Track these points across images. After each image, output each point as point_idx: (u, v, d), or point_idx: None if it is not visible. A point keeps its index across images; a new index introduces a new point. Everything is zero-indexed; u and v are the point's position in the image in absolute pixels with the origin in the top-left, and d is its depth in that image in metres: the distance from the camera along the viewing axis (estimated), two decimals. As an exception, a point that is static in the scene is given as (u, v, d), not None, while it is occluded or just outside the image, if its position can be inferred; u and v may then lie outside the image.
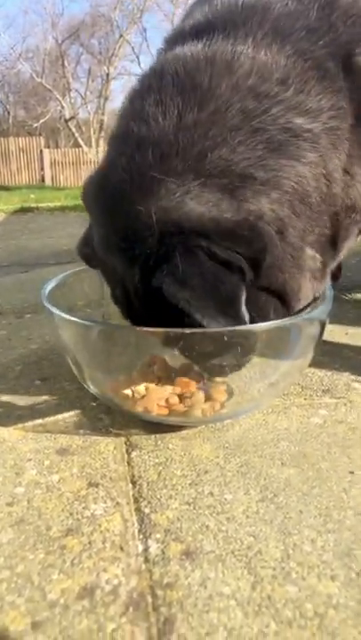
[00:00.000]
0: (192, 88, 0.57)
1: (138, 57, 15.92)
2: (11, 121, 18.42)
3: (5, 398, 0.75)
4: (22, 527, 0.49)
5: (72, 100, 17.94)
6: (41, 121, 16.90)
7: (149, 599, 0.41)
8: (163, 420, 0.63)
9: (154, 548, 0.46)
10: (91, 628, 0.39)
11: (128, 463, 0.59)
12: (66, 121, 17.12)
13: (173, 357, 0.65)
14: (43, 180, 10.86)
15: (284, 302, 0.61)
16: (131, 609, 0.40)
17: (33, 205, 3.73)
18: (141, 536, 0.48)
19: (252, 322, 0.56)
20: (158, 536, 0.47)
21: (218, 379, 0.66)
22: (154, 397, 0.60)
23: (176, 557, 0.45)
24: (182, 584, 0.42)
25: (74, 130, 16.72)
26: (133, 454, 0.60)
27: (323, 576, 0.42)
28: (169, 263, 0.54)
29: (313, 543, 0.46)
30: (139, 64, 15.83)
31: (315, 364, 0.74)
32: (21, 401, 0.74)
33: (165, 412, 0.61)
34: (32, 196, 4.92)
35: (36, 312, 1.16)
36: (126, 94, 0.66)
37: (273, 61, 0.59)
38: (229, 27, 0.61)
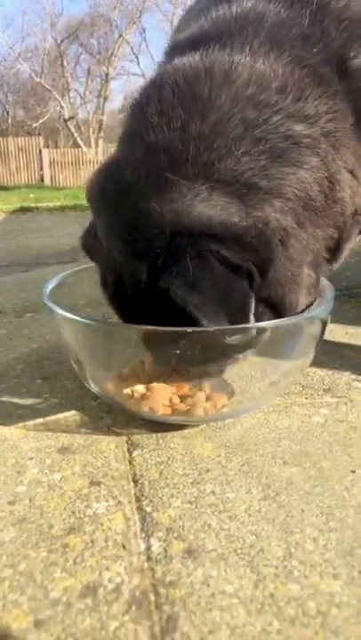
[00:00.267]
0: (192, 99, 0.58)
1: (137, 57, 16.02)
2: (10, 121, 18.43)
3: (6, 397, 0.75)
4: (24, 526, 0.49)
5: (71, 100, 17.96)
6: (40, 121, 16.90)
7: (152, 597, 0.41)
8: (165, 420, 0.63)
9: (156, 547, 0.46)
10: (94, 626, 0.38)
11: (129, 462, 0.59)
12: (65, 121, 17.12)
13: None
14: (42, 179, 10.86)
15: (278, 315, 0.61)
16: (133, 607, 0.40)
17: (32, 205, 3.73)
18: (143, 534, 0.48)
19: None
20: (160, 534, 0.47)
21: (218, 378, 0.66)
22: (159, 397, 0.60)
23: (178, 556, 0.45)
24: (185, 582, 0.42)
25: (73, 130, 16.72)
26: (135, 453, 0.60)
27: (325, 574, 0.42)
28: (179, 265, 0.54)
29: (315, 542, 0.46)
30: (138, 64, 15.93)
31: (316, 363, 0.74)
32: (22, 400, 0.74)
33: (169, 411, 0.61)
34: (31, 195, 4.92)
35: (36, 311, 1.16)
36: (129, 104, 0.67)
37: (271, 70, 0.59)
38: (225, 37, 0.62)
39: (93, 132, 17.30)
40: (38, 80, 16.80)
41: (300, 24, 0.62)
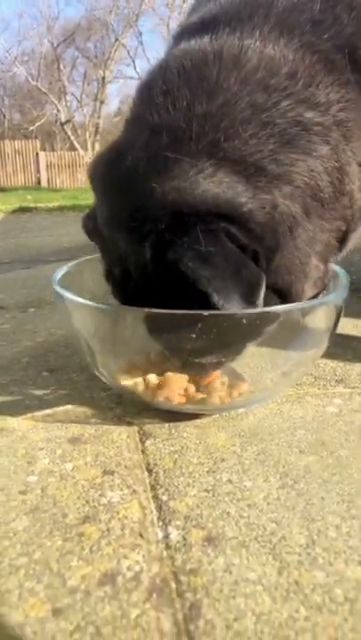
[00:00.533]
0: (199, 81, 0.57)
1: (133, 60, 16.02)
2: (6, 124, 18.41)
3: (13, 389, 0.74)
4: (37, 515, 0.48)
5: (68, 104, 17.96)
6: (37, 124, 16.91)
7: (173, 585, 0.40)
8: (178, 409, 0.62)
9: (174, 535, 0.45)
10: (114, 614, 0.37)
11: (142, 451, 0.57)
12: (62, 124, 17.12)
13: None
14: (39, 182, 10.85)
15: (283, 304, 0.59)
16: (154, 595, 0.39)
17: (31, 205, 3.72)
18: (161, 523, 0.46)
19: None
20: (178, 523, 0.46)
21: (229, 367, 0.65)
22: (175, 386, 0.59)
23: (198, 544, 0.44)
24: (206, 570, 0.41)
25: (70, 133, 16.72)
26: (148, 443, 0.59)
27: (350, 561, 0.41)
28: (189, 237, 0.52)
29: (338, 529, 0.45)
30: (135, 68, 15.89)
31: (327, 354, 0.73)
32: (30, 392, 0.73)
33: (184, 400, 0.59)
34: (29, 197, 4.91)
35: (39, 306, 1.15)
36: (136, 87, 0.66)
37: (281, 55, 0.58)
38: (235, 21, 0.60)
39: (90, 136, 17.30)
40: (35, 83, 16.80)
41: (311, 9, 0.61)
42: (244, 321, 0.54)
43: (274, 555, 0.42)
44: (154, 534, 0.45)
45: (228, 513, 0.47)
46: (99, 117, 17.49)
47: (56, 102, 16.99)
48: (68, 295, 0.60)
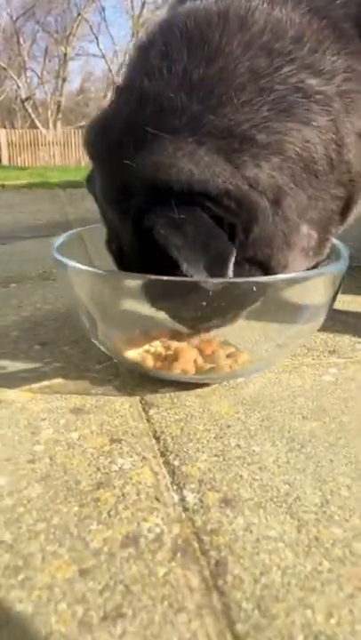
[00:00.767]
0: (201, 43, 0.55)
1: (97, 37, 15.68)
2: (-36, 100, 17.78)
3: (6, 362, 0.72)
4: (49, 482, 0.47)
5: (28, 80, 17.47)
6: (-4, 100, 16.40)
7: (196, 545, 0.40)
8: (181, 379, 0.62)
9: (191, 498, 0.45)
10: (141, 572, 0.37)
11: (147, 420, 0.58)
12: (22, 101, 16.67)
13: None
14: (0, 160, 10.56)
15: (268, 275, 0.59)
16: (179, 554, 0.39)
17: (-2, 183, 3.62)
18: (175, 487, 0.47)
19: None
20: (193, 486, 0.47)
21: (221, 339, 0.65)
22: (188, 358, 0.59)
23: (215, 505, 0.44)
24: (227, 530, 0.41)
25: (30, 111, 16.30)
26: (151, 412, 0.59)
27: (365, 518, 0.42)
28: (164, 207, 0.52)
29: (349, 489, 0.46)
30: (97, 44, 15.61)
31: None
32: (24, 364, 0.72)
33: (194, 371, 0.60)
34: (-7, 174, 4.77)
35: (20, 282, 1.13)
36: (133, 46, 0.64)
37: (287, 18, 0.57)
38: None
39: (51, 114, 16.89)
40: (-7, 58, 16.26)
41: None
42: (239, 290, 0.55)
43: (291, 514, 0.43)
44: (170, 498, 0.45)
45: (241, 476, 0.48)
46: (60, 95, 17.08)
47: (16, 78, 16.51)
48: (69, 262, 0.59)
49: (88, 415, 0.59)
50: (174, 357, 0.59)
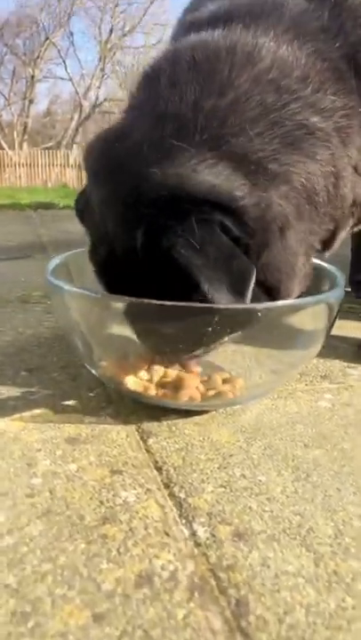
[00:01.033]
0: (210, 75, 0.57)
1: (64, 60, 15.70)
2: None
3: (-7, 389, 0.70)
4: (52, 518, 0.45)
5: (-5, 101, 17.37)
6: None
7: (213, 582, 0.38)
8: (183, 406, 0.61)
9: (201, 532, 0.44)
10: (160, 615, 0.36)
11: (147, 450, 0.56)
12: (-12, 122, 16.54)
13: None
14: (-35, 181, 10.43)
15: (272, 301, 0.60)
16: (196, 594, 0.37)
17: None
18: (184, 520, 0.45)
19: None
20: (203, 519, 0.45)
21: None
22: (193, 386, 0.58)
23: (228, 539, 0.43)
24: (243, 565, 0.40)
25: (-4, 131, 16.18)
26: (150, 441, 0.57)
27: (381, 549, 0.42)
28: (184, 225, 0.51)
29: (361, 519, 0.45)
30: (65, 68, 15.69)
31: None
32: (11, 392, 0.69)
33: (200, 398, 0.59)
34: None
35: (1, 305, 1.10)
36: (139, 74, 0.65)
37: (294, 58, 0.59)
38: (250, 18, 0.61)
39: (18, 135, 16.83)
40: None
41: (320, 17, 0.62)
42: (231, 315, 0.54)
43: (306, 546, 0.42)
44: (180, 532, 0.44)
45: (251, 507, 0.47)
46: (27, 117, 17.04)
47: (-18, 99, 16.40)
48: (66, 286, 0.57)
49: (85, 445, 0.56)
50: (178, 385, 0.58)
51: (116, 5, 14.69)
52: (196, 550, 0.42)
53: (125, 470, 0.52)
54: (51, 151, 11.52)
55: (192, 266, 0.51)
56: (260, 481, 0.50)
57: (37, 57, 16.28)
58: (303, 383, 0.73)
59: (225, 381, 0.61)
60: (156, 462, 0.54)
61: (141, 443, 0.57)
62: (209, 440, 0.58)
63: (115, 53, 14.65)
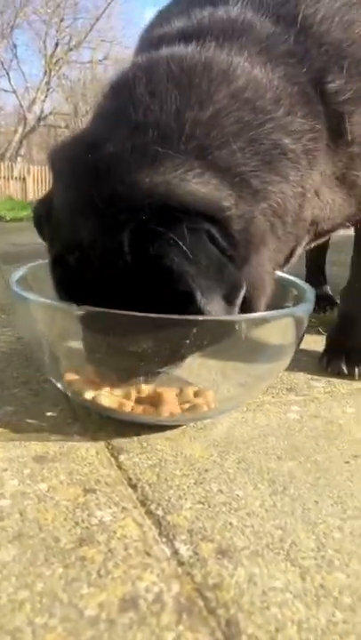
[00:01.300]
0: (189, 88, 0.56)
1: (8, 73, 15.46)
2: None
3: None
4: (24, 542, 0.43)
5: None
6: None
7: (201, 603, 0.37)
8: (160, 422, 0.59)
9: (184, 550, 0.42)
10: (149, 640, 0.34)
11: (119, 467, 0.54)
12: None
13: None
14: None
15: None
16: (184, 615, 0.36)
17: None
18: (164, 539, 0.44)
19: None
20: (184, 537, 0.44)
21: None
22: (172, 400, 0.56)
23: (212, 557, 0.42)
24: (230, 583, 0.39)
25: None
26: (121, 457, 0.56)
27: (364, 560, 0.42)
28: (176, 233, 0.50)
29: (341, 530, 0.45)
30: (9, 80, 15.35)
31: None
32: (-30, 409, 0.66)
33: (180, 412, 0.57)
34: None
35: None
36: (106, 84, 0.63)
37: (267, 80, 0.59)
38: (223, 37, 0.61)
39: None
40: None
41: (287, 42, 0.62)
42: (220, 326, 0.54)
43: (291, 561, 0.41)
44: (161, 551, 0.42)
45: (231, 523, 0.46)
46: (-30, 127, 16.64)
47: None
48: (33, 296, 0.55)
49: (54, 463, 0.54)
50: (156, 401, 0.57)
51: (62, 20, 14.66)
52: (179, 570, 0.40)
53: (99, 489, 0.50)
54: (-7, 163, 11.26)
55: (185, 275, 0.50)
56: (237, 495, 0.50)
57: (-20, 68, 15.97)
58: (270, 395, 0.73)
59: (196, 394, 0.60)
60: (130, 479, 0.52)
61: (112, 459, 0.55)
62: (182, 455, 0.56)
63: (60, 67, 14.58)
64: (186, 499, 0.49)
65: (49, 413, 0.65)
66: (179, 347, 0.55)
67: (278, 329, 0.62)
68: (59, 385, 0.63)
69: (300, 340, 0.64)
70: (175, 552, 0.42)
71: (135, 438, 0.60)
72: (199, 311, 0.50)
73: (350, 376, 0.80)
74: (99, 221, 0.54)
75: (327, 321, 1.03)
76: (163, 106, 0.54)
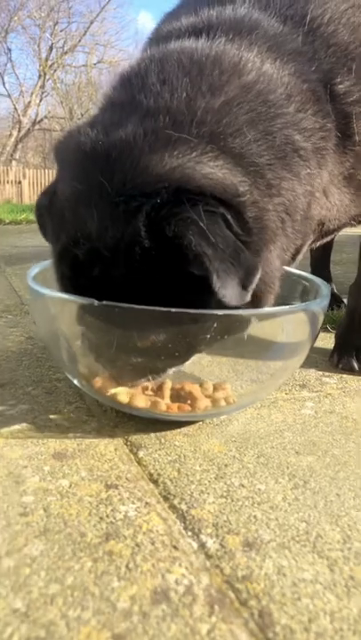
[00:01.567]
0: (200, 77, 0.56)
1: (2, 76, 15.45)
2: None
3: (-35, 406, 0.66)
4: (50, 537, 0.43)
5: None
6: None
7: (231, 594, 0.37)
8: (166, 417, 0.59)
9: (210, 543, 0.42)
10: (183, 632, 0.34)
11: (138, 463, 0.54)
12: None
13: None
14: None
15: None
16: (216, 607, 0.36)
17: None
18: (190, 533, 0.44)
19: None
20: (209, 531, 0.44)
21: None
22: (202, 395, 0.57)
23: (239, 550, 0.42)
24: (259, 575, 0.39)
25: None
26: (140, 454, 0.56)
27: (390, 552, 0.42)
28: (193, 212, 0.48)
29: (365, 522, 0.45)
30: (3, 84, 15.41)
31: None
32: (-15, 408, 0.65)
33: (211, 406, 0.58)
34: None
35: None
36: (115, 75, 0.63)
37: (278, 76, 0.59)
38: (233, 32, 0.61)
39: None
40: None
41: (295, 41, 0.63)
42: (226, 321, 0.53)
43: (318, 553, 0.41)
44: (188, 545, 0.42)
45: (255, 516, 0.46)
46: (-36, 131, 16.61)
47: None
48: (51, 292, 0.55)
49: (73, 460, 0.54)
50: (190, 397, 0.57)
51: (56, 23, 14.67)
52: (207, 562, 0.40)
53: (120, 484, 0.50)
54: (-11, 167, 11.24)
55: (202, 256, 0.48)
56: (259, 489, 0.50)
57: (-25, 72, 15.95)
58: (283, 392, 0.73)
59: (215, 389, 0.60)
60: (151, 475, 0.52)
61: (132, 455, 0.55)
62: (201, 451, 0.56)
63: (55, 71, 14.59)
64: (208, 493, 0.49)
65: (64, 411, 0.65)
66: (198, 342, 0.55)
67: (294, 324, 0.62)
68: (75, 382, 0.63)
69: (315, 336, 0.64)
70: (202, 545, 0.42)
71: (152, 435, 0.60)
72: (213, 297, 0.49)
73: (361, 372, 0.80)
74: (110, 208, 0.52)
75: (335, 319, 1.04)
76: (174, 93, 0.54)
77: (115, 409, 0.64)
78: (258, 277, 0.52)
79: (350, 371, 0.80)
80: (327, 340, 0.93)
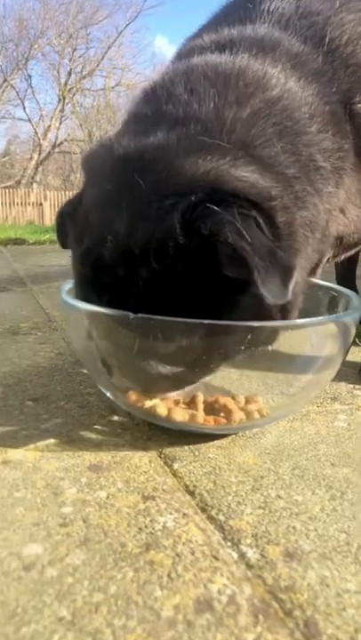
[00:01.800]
0: (226, 89, 0.57)
1: (23, 102, 15.83)
2: None
3: (0, 420, 0.67)
4: (91, 546, 0.43)
5: None
6: None
7: (275, 604, 0.37)
8: (200, 430, 0.60)
9: (251, 554, 0.42)
10: (229, 641, 0.34)
11: (174, 475, 0.54)
12: None
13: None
14: None
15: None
16: (261, 617, 0.36)
17: None
18: (229, 543, 0.44)
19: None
20: (249, 541, 0.44)
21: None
22: (236, 407, 0.57)
23: (280, 560, 0.41)
24: (302, 585, 0.39)
25: None
26: (175, 466, 0.56)
27: None
28: (228, 212, 0.48)
29: None
30: (24, 109, 15.80)
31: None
32: (20, 422, 0.66)
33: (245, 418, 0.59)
34: None
35: (-12, 337, 1.07)
36: (140, 90, 0.65)
37: (302, 95, 0.60)
38: (256, 49, 0.62)
39: (-22, 174, 16.73)
40: None
41: (316, 61, 0.64)
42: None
43: (360, 564, 0.41)
44: (228, 555, 0.42)
45: (295, 527, 0.46)
46: (-15, 156, 17.02)
47: None
48: (87, 306, 0.56)
49: (109, 472, 0.55)
50: (225, 410, 0.57)
51: (75, 49, 15.02)
52: (249, 573, 0.40)
53: (157, 495, 0.50)
54: (10, 190, 11.47)
55: (242, 250, 0.47)
56: (296, 501, 0.50)
57: (-4, 98, 16.38)
58: (315, 405, 0.73)
59: (247, 401, 0.60)
60: (187, 486, 0.52)
61: (166, 467, 0.56)
62: (235, 463, 0.57)
63: (74, 95, 14.90)
64: (245, 504, 0.49)
65: (98, 424, 0.66)
66: (232, 353, 0.55)
67: (326, 336, 0.62)
68: (109, 394, 0.64)
69: (347, 348, 0.64)
70: (242, 555, 0.42)
71: (186, 447, 0.60)
72: (246, 297, 0.50)
73: (392, 385, 0.79)
74: (141, 206, 0.51)
75: (362, 332, 1.03)
76: (202, 103, 0.55)
77: (147, 422, 0.65)
78: (296, 277, 0.51)
79: (381, 384, 0.80)
80: (356, 354, 0.92)
